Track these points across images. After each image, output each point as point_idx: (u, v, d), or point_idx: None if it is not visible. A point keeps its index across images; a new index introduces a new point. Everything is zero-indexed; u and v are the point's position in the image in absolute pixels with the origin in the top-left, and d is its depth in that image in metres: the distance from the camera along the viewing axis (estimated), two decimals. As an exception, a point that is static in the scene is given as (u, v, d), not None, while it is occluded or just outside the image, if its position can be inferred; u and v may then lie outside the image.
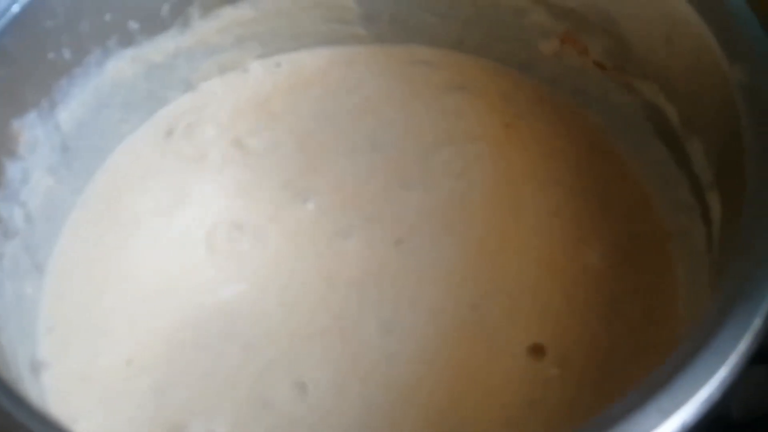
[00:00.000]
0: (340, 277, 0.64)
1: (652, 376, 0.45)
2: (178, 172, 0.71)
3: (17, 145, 0.62)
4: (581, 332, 0.61)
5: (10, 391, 0.45)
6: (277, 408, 0.58)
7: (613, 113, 0.70)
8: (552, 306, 0.63)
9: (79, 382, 0.61)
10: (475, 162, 0.71)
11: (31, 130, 0.63)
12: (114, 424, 0.59)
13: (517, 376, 0.59)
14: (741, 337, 0.46)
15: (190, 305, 0.64)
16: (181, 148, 0.73)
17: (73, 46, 0.65)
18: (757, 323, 0.46)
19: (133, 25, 0.68)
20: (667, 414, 0.43)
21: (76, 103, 0.67)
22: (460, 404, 0.58)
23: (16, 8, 0.59)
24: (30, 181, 0.63)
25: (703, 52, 0.59)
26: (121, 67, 0.69)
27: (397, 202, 0.68)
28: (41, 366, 0.61)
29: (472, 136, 0.72)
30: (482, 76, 0.76)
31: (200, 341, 0.62)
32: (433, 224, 0.67)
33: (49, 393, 0.60)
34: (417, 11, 0.75)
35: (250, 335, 0.62)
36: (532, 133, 0.72)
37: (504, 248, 0.66)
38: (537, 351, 0.60)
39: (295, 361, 0.60)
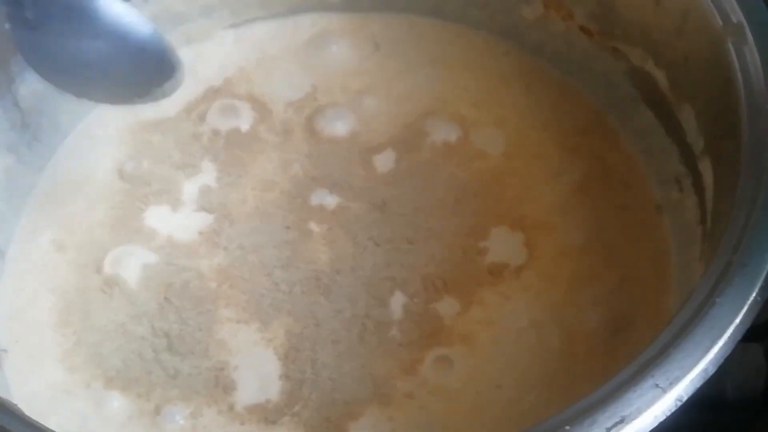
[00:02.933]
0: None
1: (647, 351, 0.44)
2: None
3: (-27, 122, 0.59)
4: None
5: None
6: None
7: (599, 81, 0.68)
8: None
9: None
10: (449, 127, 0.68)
11: (-12, 106, 0.60)
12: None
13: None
14: (737, 310, 0.44)
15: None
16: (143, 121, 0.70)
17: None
18: (753, 296, 0.45)
19: (99, -9, 0.65)
20: (662, 389, 0.41)
21: (34, 78, 0.63)
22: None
23: (-32, -27, 0.56)
24: (-11, 161, 0.60)
25: (693, 11, 0.56)
26: (83, 37, 0.66)
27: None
28: (3, 354, 0.59)
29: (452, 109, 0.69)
30: (460, 45, 0.73)
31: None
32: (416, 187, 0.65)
33: (10, 380, 0.58)
34: (394, -23, 0.72)
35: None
36: (515, 103, 0.69)
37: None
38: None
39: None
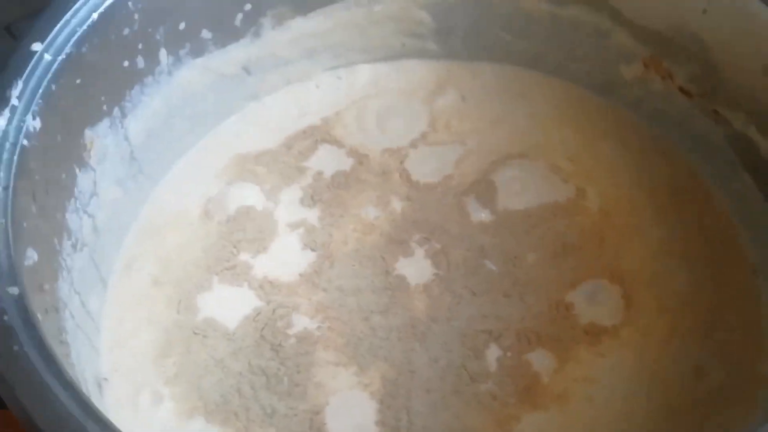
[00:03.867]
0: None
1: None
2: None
3: (89, 155, 0.60)
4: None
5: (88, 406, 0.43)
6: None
7: (697, 141, 0.68)
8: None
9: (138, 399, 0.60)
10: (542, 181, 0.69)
11: (103, 140, 0.62)
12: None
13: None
14: None
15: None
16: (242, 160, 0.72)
17: (147, 54, 0.63)
18: None
19: (207, 34, 0.67)
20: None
21: (145, 113, 0.66)
22: None
23: (95, 16, 0.58)
24: (99, 193, 0.62)
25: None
26: (191, 76, 0.68)
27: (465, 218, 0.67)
28: (104, 383, 0.60)
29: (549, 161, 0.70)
30: (556, 97, 0.73)
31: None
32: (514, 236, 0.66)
33: (109, 408, 0.59)
34: (493, 28, 0.73)
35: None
36: (611, 160, 0.70)
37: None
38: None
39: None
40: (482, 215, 0.67)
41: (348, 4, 0.71)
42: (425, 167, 0.70)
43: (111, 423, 0.43)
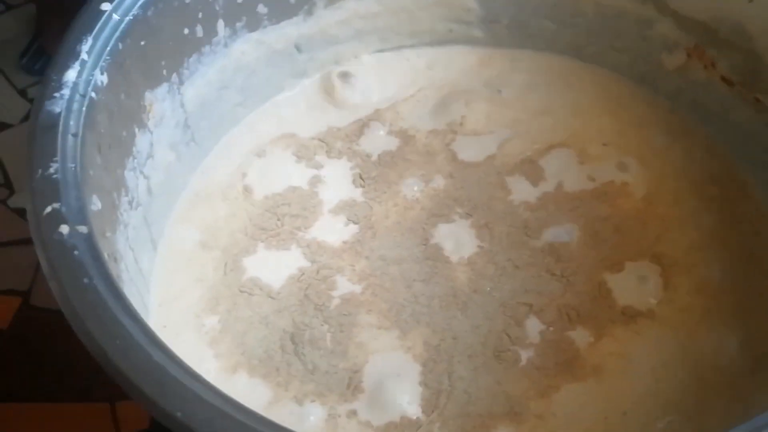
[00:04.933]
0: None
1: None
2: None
3: (147, 117, 0.62)
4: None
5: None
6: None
7: (735, 130, 0.69)
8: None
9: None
10: (585, 167, 0.70)
11: (161, 104, 0.64)
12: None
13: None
14: None
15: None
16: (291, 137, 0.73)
17: (206, 24, 0.65)
18: None
19: (262, 9, 0.69)
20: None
21: (201, 82, 0.67)
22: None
23: (161, -19, 0.60)
24: (155, 155, 0.64)
25: None
26: (246, 49, 0.70)
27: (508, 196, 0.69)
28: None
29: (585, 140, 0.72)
30: (597, 86, 0.75)
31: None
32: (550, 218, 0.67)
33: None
34: (537, 17, 0.75)
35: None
36: (650, 145, 0.71)
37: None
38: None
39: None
40: (525, 194, 0.69)
41: (399, -13, 0.74)
42: (469, 149, 0.72)
43: (177, 356, 0.44)
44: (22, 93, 1.42)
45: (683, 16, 0.69)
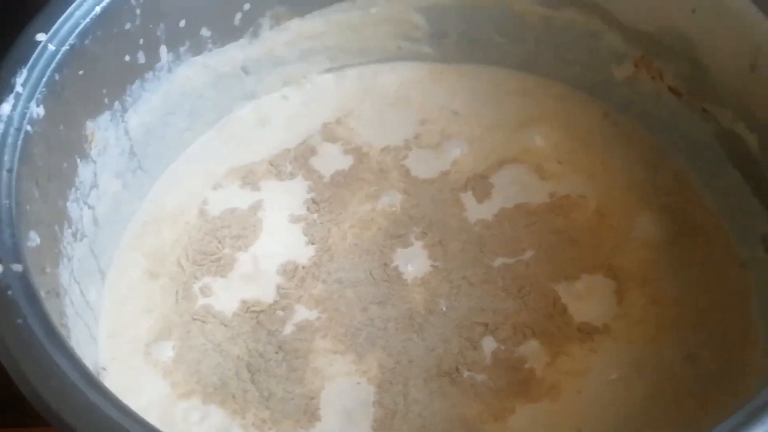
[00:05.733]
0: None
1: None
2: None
3: (90, 146, 0.61)
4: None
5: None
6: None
7: (685, 140, 0.69)
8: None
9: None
10: (538, 182, 0.70)
11: (104, 132, 0.62)
12: None
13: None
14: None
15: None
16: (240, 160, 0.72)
17: (148, 49, 0.64)
18: None
19: (206, 32, 0.68)
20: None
21: (145, 108, 0.66)
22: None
23: (98, 9, 0.59)
24: (99, 185, 0.63)
25: (792, 77, 0.58)
26: (190, 74, 0.69)
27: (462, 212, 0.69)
28: (102, 372, 0.60)
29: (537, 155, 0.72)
30: (549, 98, 0.75)
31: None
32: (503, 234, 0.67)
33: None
34: (486, 32, 0.75)
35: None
36: (601, 157, 0.71)
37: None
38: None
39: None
40: (480, 210, 0.68)
41: (345, 6, 0.73)
42: (422, 166, 0.71)
43: (112, 393, 0.44)
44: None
45: (629, 28, 0.69)
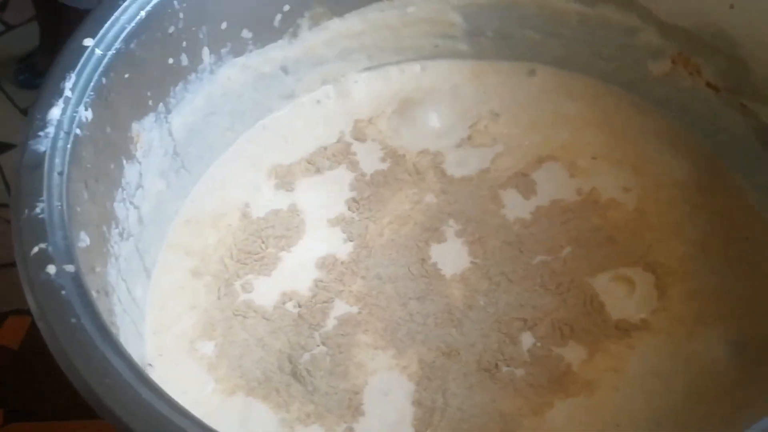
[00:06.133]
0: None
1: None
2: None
3: (135, 148, 0.63)
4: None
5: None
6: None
7: (723, 135, 0.69)
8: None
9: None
10: (576, 179, 0.71)
11: (148, 133, 0.64)
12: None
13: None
14: None
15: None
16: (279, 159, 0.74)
17: (191, 52, 0.66)
18: None
19: (247, 33, 0.69)
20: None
21: (188, 109, 0.68)
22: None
23: (143, 14, 0.60)
24: (144, 185, 0.64)
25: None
26: (232, 75, 0.70)
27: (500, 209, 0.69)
28: (149, 368, 0.62)
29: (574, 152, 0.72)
30: (586, 93, 0.75)
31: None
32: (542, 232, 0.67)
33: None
34: (522, 28, 0.75)
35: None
36: (643, 154, 0.71)
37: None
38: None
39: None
40: (518, 208, 0.69)
41: (382, 5, 0.74)
42: (460, 166, 0.72)
43: (163, 390, 0.45)
44: (25, 112, 1.43)
45: (666, 24, 0.69)
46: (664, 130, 0.72)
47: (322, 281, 0.66)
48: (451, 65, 0.78)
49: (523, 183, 0.70)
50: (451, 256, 0.66)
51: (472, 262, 0.65)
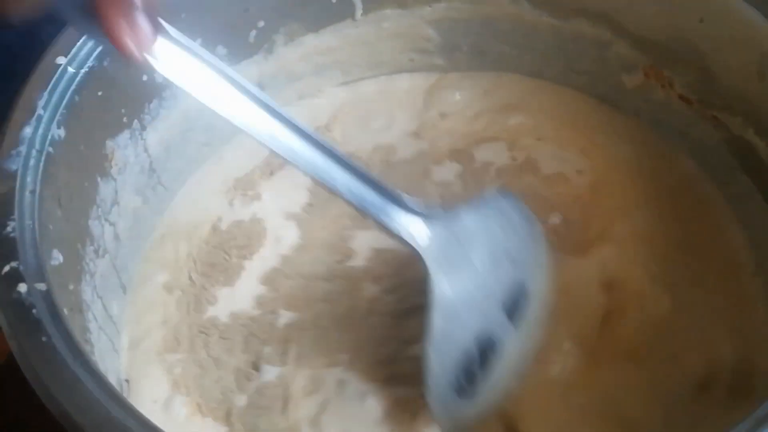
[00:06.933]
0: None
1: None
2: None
3: (110, 165, 0.63)
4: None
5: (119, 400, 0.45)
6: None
7: (696, 146, 0.70)
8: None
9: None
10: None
11: (123, 150, 0.64)
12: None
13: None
14: None
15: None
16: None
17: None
18: None
19: (222, 50, 0.69)
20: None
21: (164, 126, 0.68)
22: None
23: (116, 30, 0.60)
24: (120, 202, 0.64)
25: (800, 85, 0.58)
26: (207, 91, 0.70)
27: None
28: (125, 384, 0.62)
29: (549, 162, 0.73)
30: (560, 106, 0.76)
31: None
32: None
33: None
34: (497, 43, 0.76)
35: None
36: (611, 161, 0.72)
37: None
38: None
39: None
40: (445, 174, 0.71)
41: (357, 21, 0.74)
42: (405, 153, 0.74)
43: (137, 410, 0.45)
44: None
45: (638, 37, 0.70)
46: (637, 140, 0.73)
47: (263, 296, 0.66)
48: (426, 77, 0.78)
49: (458, 156, 0.72)
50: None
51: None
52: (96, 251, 0.61)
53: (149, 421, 0.45)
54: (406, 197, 0.52)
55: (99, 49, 0.59)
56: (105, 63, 0.60)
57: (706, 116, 0.68)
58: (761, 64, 0.61)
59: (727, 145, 0.67)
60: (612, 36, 0.71)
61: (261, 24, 0.71)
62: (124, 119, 0.64)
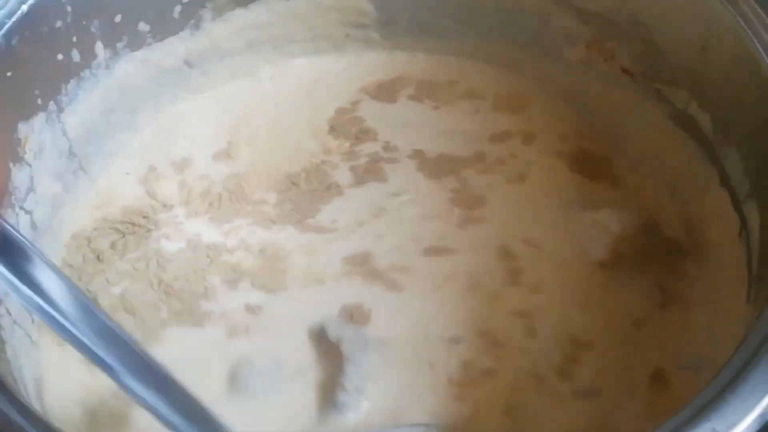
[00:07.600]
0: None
1: (703, 395, 0.43)
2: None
3: (24, 150, 0.59)
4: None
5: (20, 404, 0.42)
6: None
7: (639, 121, 0.68)
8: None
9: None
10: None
11: (38, 135, 0.60)
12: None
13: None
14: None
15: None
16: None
17: (82, 47, 0.62)
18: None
19: (144, 26, 0.66)
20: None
21: (83, 107, 0.64)
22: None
23: (24, 7, 0.56)
24: (36, 189, 0.61)
25: (742, 59, 0.56)
26: (130, 69, 0.67)
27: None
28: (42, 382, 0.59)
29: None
30: (500, 84, 0.74)
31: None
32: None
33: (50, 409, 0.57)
34: (437, 17, 0.73)
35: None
36: (553, 142, 0.70)
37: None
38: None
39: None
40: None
41: (289, -6, 0.71)
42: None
43: (46, 418, 0.42)
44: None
45: (580, 8, 0.67)
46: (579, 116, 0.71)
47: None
48: (363, 56, 0.75)
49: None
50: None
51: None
52: (10, 242, 0.57)
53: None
54: None
55: (6, 26, 0.56)
56: (13, 42, 0.56)
57: (649, 89, 0.66)
58: (705, 37, 0.60)
59: (672, 119, 0.65)
60: (554, 7, 0.68)
61: (185, -2, 0.67)
62: (39, 101, 0.60)
